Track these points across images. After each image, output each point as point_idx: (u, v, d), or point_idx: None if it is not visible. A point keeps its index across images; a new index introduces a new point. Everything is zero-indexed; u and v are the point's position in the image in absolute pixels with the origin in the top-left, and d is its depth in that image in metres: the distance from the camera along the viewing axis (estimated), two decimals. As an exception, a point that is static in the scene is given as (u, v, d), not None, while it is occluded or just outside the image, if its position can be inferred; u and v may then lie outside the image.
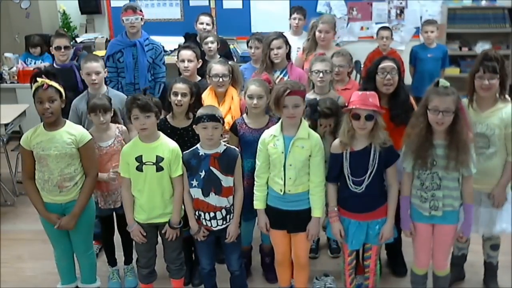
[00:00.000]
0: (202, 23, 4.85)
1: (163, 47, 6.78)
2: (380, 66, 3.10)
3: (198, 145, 2.89)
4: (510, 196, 2.99)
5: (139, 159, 2.87)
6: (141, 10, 4.39)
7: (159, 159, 2.86)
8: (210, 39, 4.39)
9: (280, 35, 3.84)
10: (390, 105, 3.09)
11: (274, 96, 2.77)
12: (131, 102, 2.84)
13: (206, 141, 2.83)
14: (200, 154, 2.86)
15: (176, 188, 2.93)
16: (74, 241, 3.11)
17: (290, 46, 3.88)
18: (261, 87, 3.08)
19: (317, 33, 4.23)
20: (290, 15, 5.02)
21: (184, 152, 2.92)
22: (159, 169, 2.87)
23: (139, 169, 2.87)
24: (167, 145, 2.90)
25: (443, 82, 2.66)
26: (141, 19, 4.36)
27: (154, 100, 2.89)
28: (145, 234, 2.98)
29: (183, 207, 3.00)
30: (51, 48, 4.24)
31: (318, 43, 4.25)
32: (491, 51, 2.88)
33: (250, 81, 3.23)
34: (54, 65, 4.23)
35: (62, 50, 4.14)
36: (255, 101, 3.06)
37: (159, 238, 3.09)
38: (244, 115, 3.21)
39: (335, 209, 2.85)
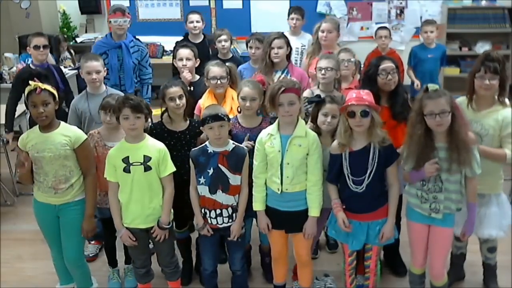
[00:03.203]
0: (192, 22, 4.85)
1: (162, 47, 6.86)
2: (381, 67, 3.10)
3: (207, 142, 2.90)
4: (502, 199, 2.98)
5: (125, 160, 2.85)
6: (129, 13, 4.39)
7: (147, 159, 2.85)
8: (223, 37, 4.40)
9: (282, 35, 3.84)
10: (391, 103, 3.11)
11: (269, 95, 2.78)
12: (123, 102, 2.82)
13: (215, 141, 2.84)
14: (209, 151, 2.87)
15: (166, 188, 2.93)
16: (65, 246, 3.06)
17: (291, 48, 3.88)
18: (254, 90, 3.07)
19: (319, 33, 4.21)
20: (288, 15, 5.02)
21: (193, 149, 2.93)
22: (147, 168, 2.85)
23: (127, 170, 2.85)
24: (154, 145, 2.90)
25: (432, 86, 2.65)
26: (129, 21, 4.36)
27: (144, 103, 2.89)
28: (134, 239, 2.96)
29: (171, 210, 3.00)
30: (28, 48, 4.20)
31: (321, 43, 4.22)
32: (493, 51, 2.87)
33: (244, 82, 3.22)
34: (31, 65, 4.20)
35: (41, 49, 4.11)
36: (247, 103, 3.06)
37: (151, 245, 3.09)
38: (238, 115, 3.21)
39: (338, 201, 2.83)
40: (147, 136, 2.93)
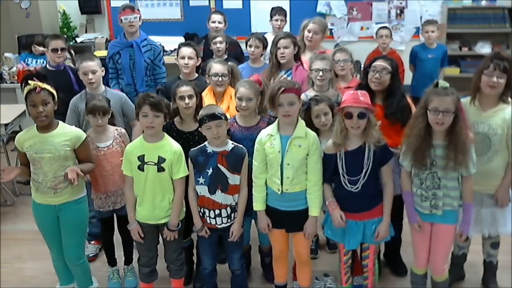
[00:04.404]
0: (214, 22, 4.89)
1: (163, 47, 6.85)
2: (373, 64, 3.13)
3: (206, 143, 2.89)
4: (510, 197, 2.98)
5: (141, 158, 2.87)
6: (138, 10, 4.38)
7: (161, 160, 2.86)
8: (219, 39, 4.41)
9: (288, 35, 3.82)
10: (385, 103, 3.12)
11: (269, 95, 2.79)
12: (143, 99, 2.84)
13: (214, 140, 2.84)
14: (208, 151, 2.87)
15: (177, 190, 2.93)
16: (66, 247, 3.06)
17: (299, 47, 3.88)
18: (250, 90, 3.06)
19: (306, 32, 4.18)
20: (271, 17, 5.02)
21: (192, 149, 2.93)
22: (160, 169, 2.86)
23: (141, 168, 2.87)
24: (170, 146, 2.90)
25: (442, 83, 2.66)
26: (139, 18, 4.36)
27: (165, 102, 2.90)
28: (143, 235, 2.98)
29: (183, 208, 3.01)
30: (46, 49, 4.19)
31: (306, 43, 4.19)
32: (503, 51, 2.87)
33: (240, 82, 3.22)
34: (48, 66, 4.19)
35: (59, 52, 4.09)
36: (244, 104, 3.05)
37: (161, 238, 3.08)
38: (236, 115, 3.21)
39: (333, 199, 2.83)
40: (166, 136, 2.94)
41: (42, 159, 2.88)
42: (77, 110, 3.57)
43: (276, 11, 5.03)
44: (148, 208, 2.93)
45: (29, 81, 2.82)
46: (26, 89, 2.83)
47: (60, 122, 2.99)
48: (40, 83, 2.82)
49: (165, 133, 2.96)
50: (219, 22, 4.88)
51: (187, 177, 2.94)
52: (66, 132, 2.94)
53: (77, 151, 2.96)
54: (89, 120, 3.20)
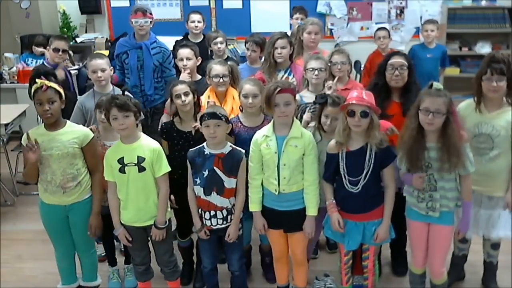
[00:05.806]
0: (193, 21, 4.92)
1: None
2: (389, 62, 3.13)
3: (204, 144, 2.89)
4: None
5: (120, 160, 2.85)
6: (151, 13, 4.35)
7: (141, 160, 2.84)
8: (219, 39, 4.44)
9: (285, 35, 3.84)
10: (403, 100, 3.12)
11: (265, 95, 2.80)
12: (110, 102, 2.81)
13: (210, 140, 2.83)
14: (206, 153, 2.86)
15: (161, 188, 2.92)
16: (76, 240, 3.11)
17: (294, 47, 3.89)
18: (255, 86, 3.09)
19: (306, 35, 4.14)
20: (292, 15, 5.03)
21: (190, 150, 2.93)
22: (141, 169, 2.85)
23: (122, 170, 2.85)
24: (148, 145, 2.89)
25: (436, 84, 2.66)
26: (151, 22, 4.34)
27: (133, 101, 2.88)
28: (131, 239, 2.97)
29: (169, 209, 3.01)
30: (48, 48, 4.23)
31: (307, 45, 4.16)
32: (497, 53, 2.87)
33: (245, 80, 3.24)
34: (45, 63, 4.20)
35: (60, 52, 4.13)
36: (250, 100, 3.06)
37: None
38: (240, 114, 3.22)
39: (333, 201, 2.83)
40: (142, 136, 2.93)
41: (50, 156, 2.90)
42: (84, 108, 3.57)
43: (297, 10, 5.07)
44: (133, 210, 2.92)
45: (37, 80, 2.85)
46: (33, 87, 2.86)
47: (68, 121, 3.01)
48: (47, 82, 2.84)
49: (142, 133, 2.95)
50: (198, 22, 4.91)
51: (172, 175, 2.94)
52: (75, 130, 2.97)
53: (84, 150, 2.97)
54: (96, 115, 3.20)
